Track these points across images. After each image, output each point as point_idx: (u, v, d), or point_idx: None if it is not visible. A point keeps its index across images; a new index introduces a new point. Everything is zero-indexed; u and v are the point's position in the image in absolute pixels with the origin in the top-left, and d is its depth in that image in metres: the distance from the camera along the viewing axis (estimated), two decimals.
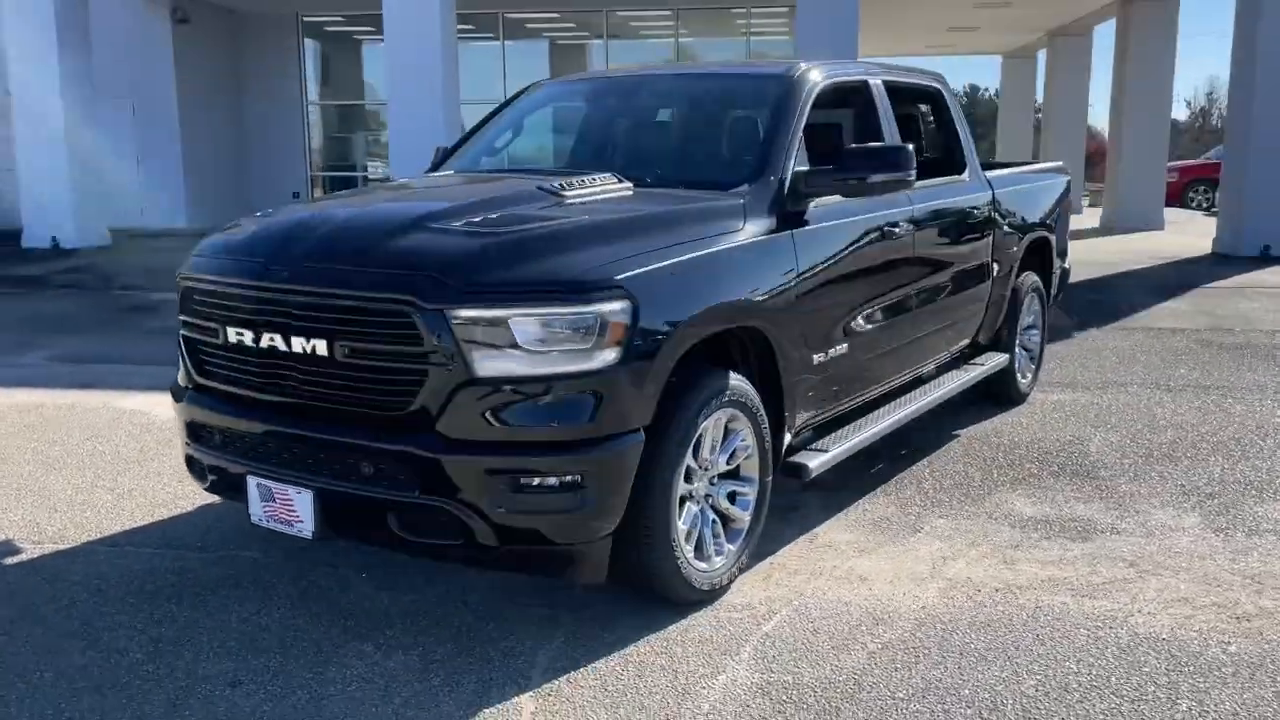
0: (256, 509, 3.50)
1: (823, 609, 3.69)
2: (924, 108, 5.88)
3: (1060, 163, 7.55)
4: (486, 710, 3.02)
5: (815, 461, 4.23)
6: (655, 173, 4.36)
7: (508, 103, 5.33)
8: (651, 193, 4.08)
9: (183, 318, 3.73)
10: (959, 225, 5.49)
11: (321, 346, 3.25)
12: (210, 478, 3.76)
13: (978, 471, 5.24)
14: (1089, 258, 14.49)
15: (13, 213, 16.63)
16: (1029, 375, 6.70)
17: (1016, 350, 6.46)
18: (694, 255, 3.56)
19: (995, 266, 5.95)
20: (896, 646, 3.41)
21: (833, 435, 4.54)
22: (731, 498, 3.87)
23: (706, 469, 3.73)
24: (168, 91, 18.43)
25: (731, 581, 3.82)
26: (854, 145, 4.38)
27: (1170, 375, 7.37)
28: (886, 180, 4.25)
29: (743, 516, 3.89)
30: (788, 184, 4.13)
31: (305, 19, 20.49)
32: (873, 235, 4.59)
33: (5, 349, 8.68)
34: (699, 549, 3.69)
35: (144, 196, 18.55)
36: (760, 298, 3.82)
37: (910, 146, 4.33)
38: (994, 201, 5.86)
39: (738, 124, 4.62)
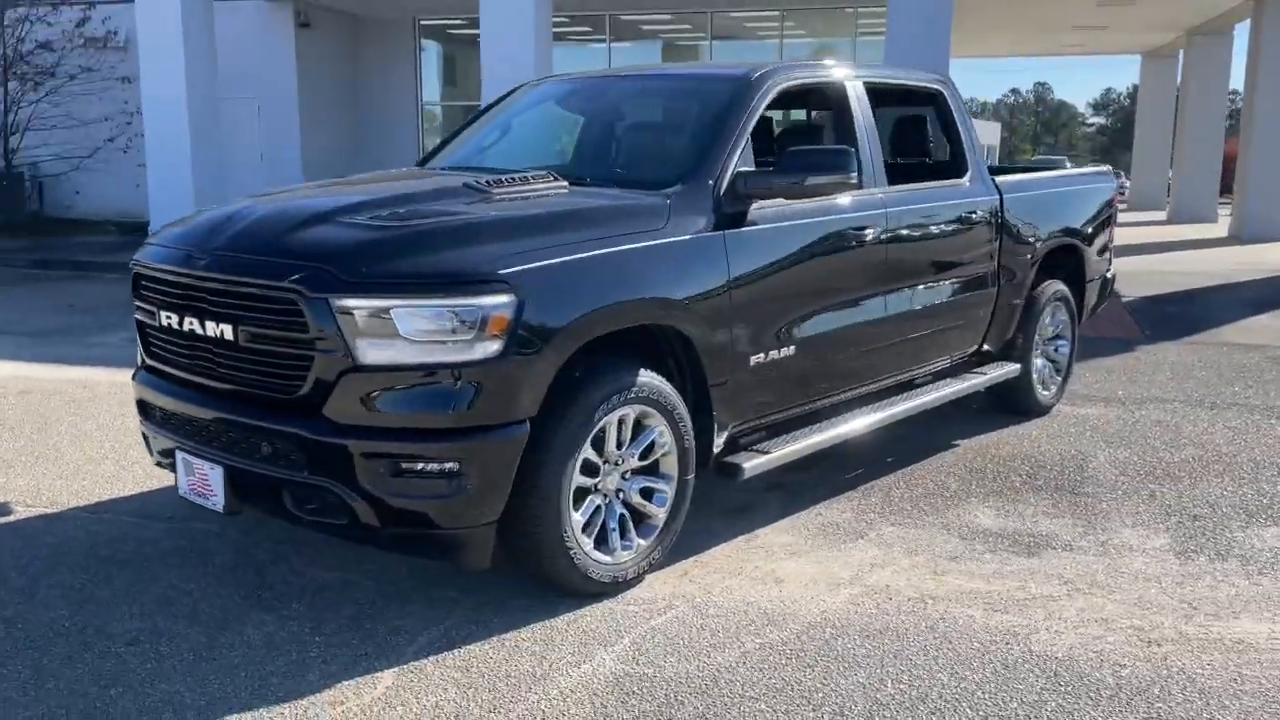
0: (182, 482, 3.74)
1: (721, 607, 3.70)
2: (922, 111, 5.76)
3: (1105, 167, 7.26)
4: (346, 682, 3.16)
5: (752, 463, 4.23)
6: (602, 172, 4.45)
7: (494, 104, 5.48)
8: (586, 191, 4.15)
9: (135, 302, 4.01)
10: (950, 230, 5.37)
11: (229, 331, 3.46)
12: (156, 453, 4.03)
13: (956, 481, 5.12)
14: (1196, 268, 13.82)
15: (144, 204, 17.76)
16: (1052, 387, 6.47)
17: (1037, 361, 6.26)
18: (597, 253, 3.62)
19: (1004, 274, 5.78)
20: (775, 647, 3.40)
21: (785, 437, 4.52)
22: (648, 494, 3.92)
23: (618, 463, 3.79)
24: (289, 92, 19.35)
25: (641, 575, 3.87)
26: (795, 148, 4.36)
27: (1220, 393, 7.00)
28: (825, 182, 4.22)
29: (658, 512, 3.92)
30: (725, 185, 4.14)
31: (422, 22, 21.20)
32: (830, 239, 4.55)
33: (93, 329, 9.34)
34: (601, 542, 3.75)
35: None
36: (678, 297, 3.84)
37: (850, 149, 4.29)
38: (1001, 207, 5.70)
39: (684, 125, 4.64)
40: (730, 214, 4.13)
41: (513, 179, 4.08)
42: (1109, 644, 3.44)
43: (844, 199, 4.69)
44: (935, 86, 5.63)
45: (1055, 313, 6.42)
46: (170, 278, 3.68)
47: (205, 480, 3.61)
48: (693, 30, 21.25)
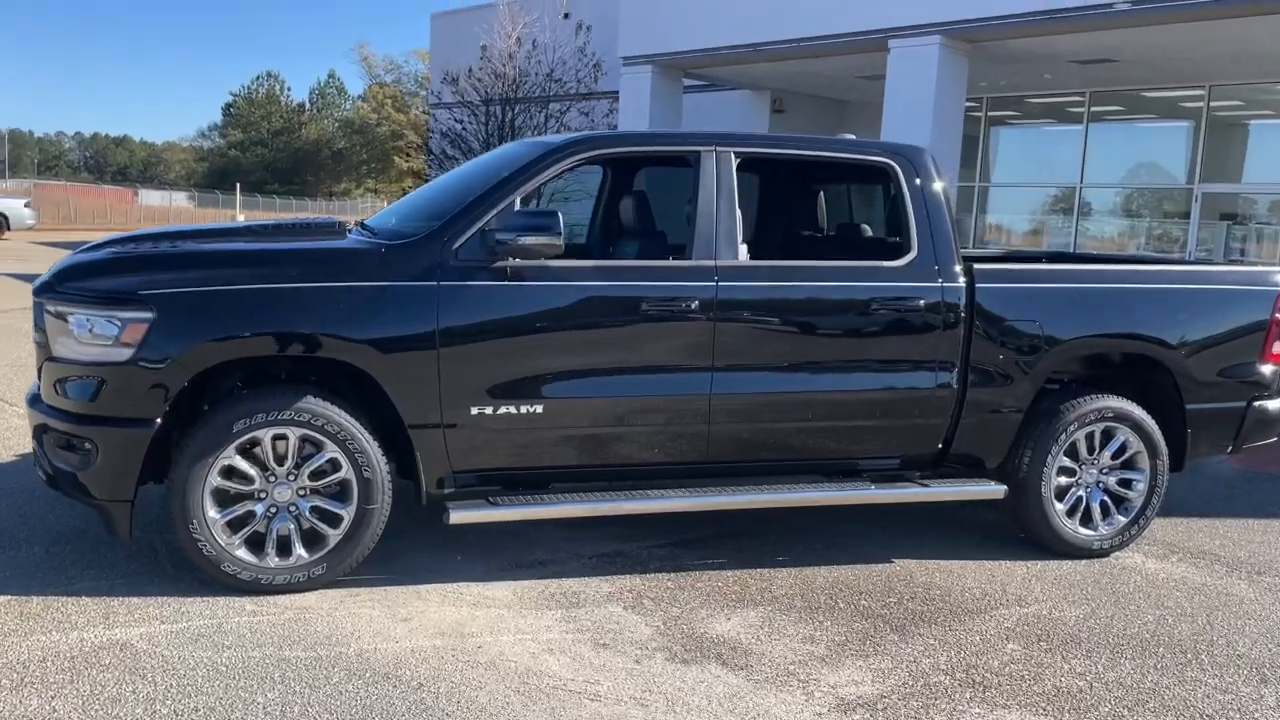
0: None
1: (311, 633, 3.96)
2: (844, 187, 5.15)
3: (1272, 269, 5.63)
4: None
5: (461, 514, 4.36)
6: (389, 224, 4.89)
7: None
8: (323, 238, 4.70)
9: None
10: (852, 315, 4.80)
11: (41, 337, 4.56)
12: None
13: (801, 600, 4.57)
14: None
15: None
16: (1102, 526, 5.23)
17: (1059, 484, 5.15)
18: (255, 287, 4.13)
19: (978, 375, 4.94)
20: (177, 663, 3.60)
21: (535, 497, 4.53)
22: (325, 515, 4.29)
23: (291, 478, 4.23)
24: None
25: (300, 587, 4.24)
26: (520, 209, 4.37)
27: None
28: (536, 243, 4.24)
29: (330, 532, 4.27)
30: (461, 241, 4.36)
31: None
32: (602, 305, 4.46)
33: None
34: (256, 547, 4.21)
35: None
36: (356, 337, 4.18)
37: (555, 211, 4.23)
38: (970, 297, 4.90)
39: (475, 188, 4.77)
40: (463, 267, 4.34)
41: (294, 226, 4.74)
42: None
43: (652, 265, 4.58)
44: (883, 161, 5.02)
45: (1112, 438, 5.21)
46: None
47: None
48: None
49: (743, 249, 4.75)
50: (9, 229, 28.63)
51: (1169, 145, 18.26)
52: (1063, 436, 5.10)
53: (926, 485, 5.03)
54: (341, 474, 4.26)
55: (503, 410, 4.38)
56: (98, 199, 53.39)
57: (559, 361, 4.44)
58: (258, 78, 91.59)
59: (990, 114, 19.82)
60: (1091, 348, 5.20)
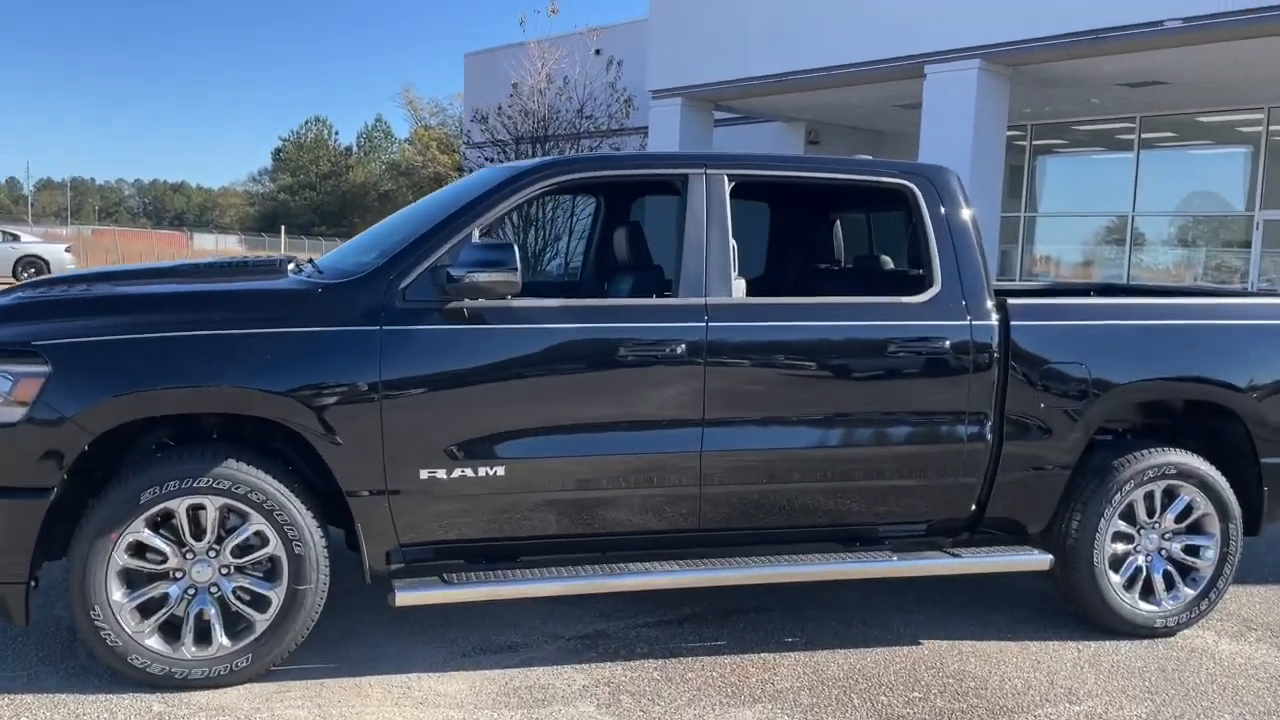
0: None
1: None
2: (862, 214, 4.52)
3: None
4: None
5: (408, 594, 3.76)
6: (333, 262, 4.37)
7: None
8: (271, 279, 4.10)
9: None
10: (865, 357, 4.16)
11: None
12: None
13: (803, 678, 3.90)
14: None
15: None
16: (1166, 601, 4.50)
17: (1113, 551, 4.44)
18: (181, 334, 3.58)
19: (1015, 426, 4.27)
20: None
21: (497, 574, 3.92)
22: (251, 597, 3.71)
23: (212, 554, 3.66)
24: None
25: (221, 682, 3.65)
26: (476, 241, 3.80)
27: None
28: (490, 280, 3.66)
29: (256, 617, 3.69)
30: (410, 279, 3.79)
31: None
32: (573, 349, 3.87)
33: None
34: (170, 635, 3.64)
35: None
36: (278, 389, 3.60)
37: (510, 244, 3.67)
38: (1005, 336, 4.24)
39: (431, 219, 4.20)
40: (411, 309, 3.77)
41: (230, 265, 4.20)
42: None
43: (631, 305, 4.00)
44: (899, 183, 4.39)
45: (1176, 498, 4.50)
46: None
47: None
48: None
49: (738, 284, 4.15)
50: (50, 273, 28.79)
51: (1226, 171, 17.40)
52: (1117, 497, 4.39)
53: (958, 555, 4.34)
54: (269, 549, 3.68)
55: (458, 473, 3.79)
56: (147, 242, 53.94)
57: (524, 416, 3.85)
58: (306, 122, 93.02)
59: (1036, 142, 19.07)
60: (1149, 393, 4.51)
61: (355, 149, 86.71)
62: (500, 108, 20.83)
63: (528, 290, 3.91)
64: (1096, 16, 12.34)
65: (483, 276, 3.66)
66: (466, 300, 3.75)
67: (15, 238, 30.05)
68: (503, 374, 3.81)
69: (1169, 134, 17.70)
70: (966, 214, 4.41)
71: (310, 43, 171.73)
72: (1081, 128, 18.53)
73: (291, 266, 4.28)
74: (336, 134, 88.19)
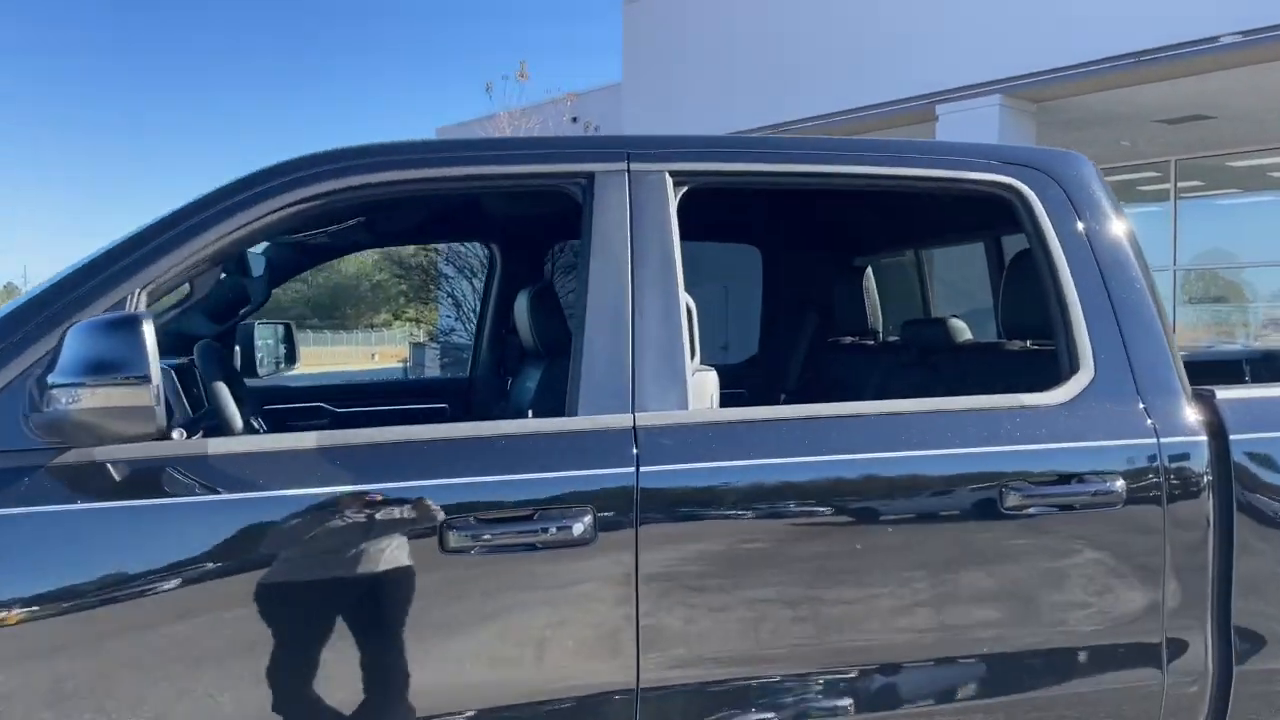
0: None
1: None
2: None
3: None
4: None
5: None
6: None
7: None
8: None
9: None
10: (940, 521, 2.11)
11: None
12: None
13: None
14: None
15: None
16: None
17: None
18: None
19: (1241, 624, 2.21)
20: None
21: None
22: None
23: None
24: None
25: None
26: (98, 318, 1.77)
27: None
28: (90, 410, 1.61)
29: None
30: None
31: None
32: (337, 542, 1.83)
33: None
34: None
35: None
36: None
37: (143, 320, 1.61)
38: (1216, 452, 2.20)
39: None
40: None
41: None
42: None
43: (464, 436, 1.97)
44: (1003, 184, 2.37)
45: None
46: None
47: None
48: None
49: (702, 379, 2.11)
50: None
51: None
52: None
53: None
54: None
55: None
56: None
57: (217, 675, 1.79)
58: None
59: None
60: None
61: None
62: None
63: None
64: (1140, 37, 10.55)
65: (85, 398, 1.60)
66: (96, 445, 1.71)
67: None
68: (178, 598, 1.76)
69: (1198, 182, 15.94)
70: (1122, 230, 2.39)
71: (292, 135, 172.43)
72: (1111, 177, 16.71)
73: None
74: None
